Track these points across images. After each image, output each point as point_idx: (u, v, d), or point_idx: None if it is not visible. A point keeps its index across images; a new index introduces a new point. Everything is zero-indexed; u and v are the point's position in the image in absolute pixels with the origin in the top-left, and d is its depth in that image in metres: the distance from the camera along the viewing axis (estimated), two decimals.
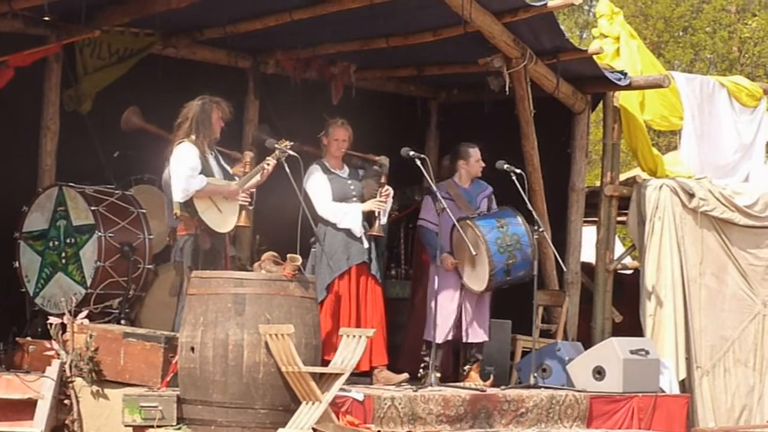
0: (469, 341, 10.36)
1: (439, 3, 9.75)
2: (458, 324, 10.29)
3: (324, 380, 8.17)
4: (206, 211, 8.94)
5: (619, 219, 12.51)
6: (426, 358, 10.18)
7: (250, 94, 11.87)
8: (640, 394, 10.36)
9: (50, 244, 9.83)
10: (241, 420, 8.07)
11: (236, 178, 9.23)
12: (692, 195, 11.89)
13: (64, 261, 9.75)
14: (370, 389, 9.26)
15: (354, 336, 8.53)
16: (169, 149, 9.03)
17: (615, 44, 12.30)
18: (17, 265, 9.95)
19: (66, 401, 8.65)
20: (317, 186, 9.79)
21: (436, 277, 10.00)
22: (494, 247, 10.08)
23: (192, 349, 8.17)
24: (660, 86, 11.72)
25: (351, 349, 8.43)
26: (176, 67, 11.18)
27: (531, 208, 10.45)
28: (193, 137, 8.98)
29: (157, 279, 10.30)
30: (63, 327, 8.83)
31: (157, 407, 8.13)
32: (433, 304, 10.01)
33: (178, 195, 8.89)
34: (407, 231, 12.21)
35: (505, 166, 10.45)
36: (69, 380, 8.65)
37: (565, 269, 11.34)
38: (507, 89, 10.77)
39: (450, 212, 9.97)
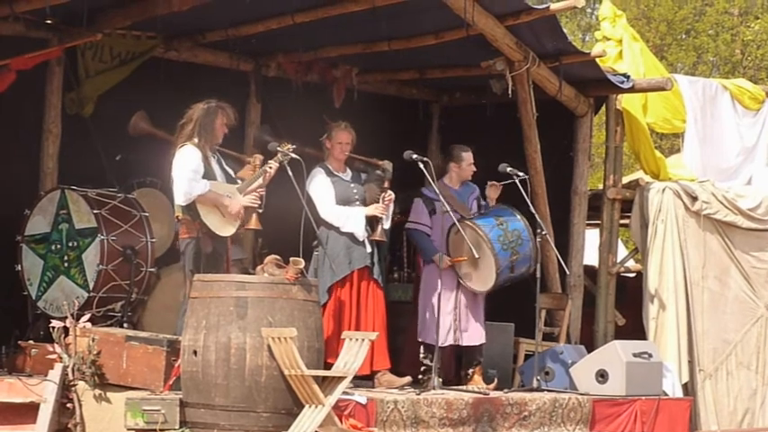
0: (468, 344, 10.35)
1: (441, 6, 9.74)
2: (456, 327, 10.28)
3: (326, 383, 8.16)
4: (208, 215, 8.93)
5: (621, 222, 12.52)
6: (426, 361, 10.18)
7: (252, 97, 11.87)
8: (643, 397, 10.35)
9: (53, 247, 9.82)
10: (244, 424, 8.05)
11: (239, 181, 9.23)
12: (694, 198, 11.88)
13: (66, 264, 9.75)
14: (372, 392, 9.26)
15: (357, 339, 8.52)
16: (172, 152, 9.03)
17: (618, 47, 12.29)
18: (19, 268, 9.94)
19: (68, 405, 8.64)
20: (321, 189, 9.78)
21: (439, 280, 10.00)
22: (497, 245, 10.09)
23: (195, 353, 8.16)
24: (663, 89, 11.72)
25: (353, 352, 8.42)
26: (178, 70, 11.17)
27: (533, 211, 10.45)
28: (196, 140, 8.97)
29: (160, 282, 10.31)
30: (65, 330, 8.82)
31: (160, 410, 8.12)
32: (432, 305, 10.01)
33: (180, 198, 8.88)
34: None
35: (508, 169, 10.44)
36: (72, 383, 8.64)
37: (567, 272, 11.36)
38: (510, 92, 10.77)
39: (452, 214, 9.97)
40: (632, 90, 11.64)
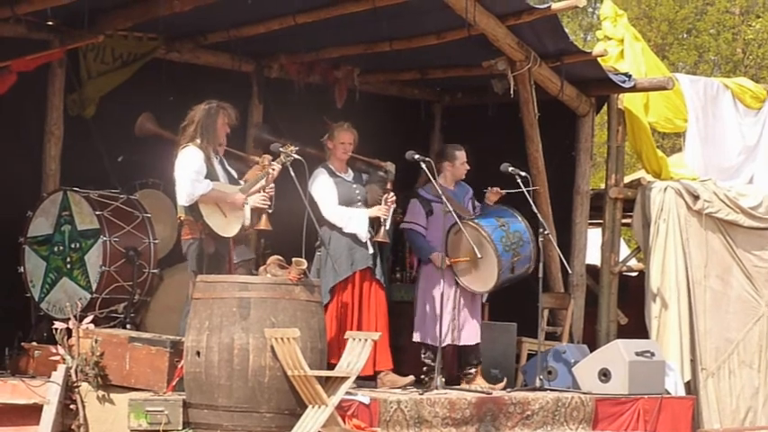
0: (465, 344, 10.34)
1: (442, 6, 9.75)
2: (454, 326, 10.28)
3: (330, 383, 8.17)
4: (210, 216, 8.93)
5: (623, 221, 12.52)
6: (427, 361, 10.18)
7: (254, 98, 11.87)
8: (646, 396, 10.36)
9: (55, 249, 9.83)
10: (247, 424, 8.06)
11: (242, 182, 9.23)
12: (696, 197, 11.89)
13: (69, 266, 9.75)
14: (375, 392, 9.27)
15: (360, 339, 8.52)
16: (174, 153, 9.03)
17: (619, 46, 12.29)
18: (22, 270, 9.95)
19: (71, 406, 8.63)
20: (323, 190, 9.78)
21: (438, 280, 10.00)
22: (500, 246, 10.09)
23: (198, 353, 8.16)
24: (664, 88, 11.72)
25: (356, 353, 8.42)
26: (180, 72, 11.16)
27: (535, 211, 10.46)
28: (198, 140, 8.97)
29: (162, 283, 10.31)
30: (68, 332, 8.81)
31: (163, 411, 8.13)
32: (431, 304, 10.01)
33: (183, 199, 8.88)
34: None
35: (510, 168, 10.44)
36: (75, 385, 8.64)
37: (570, 272, 11.35)
38: (511, 92, 10.77)
39: (454, 215, 9.97)
40: (634, 89, 11.64)
